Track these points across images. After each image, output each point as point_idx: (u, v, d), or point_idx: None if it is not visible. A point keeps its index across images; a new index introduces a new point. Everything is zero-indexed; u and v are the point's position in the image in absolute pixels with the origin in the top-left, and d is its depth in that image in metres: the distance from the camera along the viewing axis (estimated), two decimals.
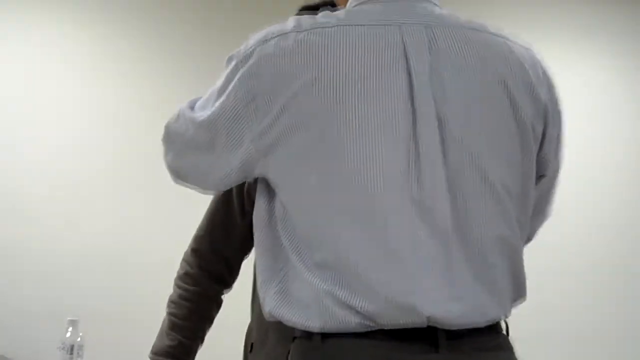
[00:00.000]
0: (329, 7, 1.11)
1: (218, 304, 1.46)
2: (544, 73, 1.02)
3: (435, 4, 1.01)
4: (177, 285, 1.44)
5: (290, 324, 0.90)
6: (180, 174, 1.07)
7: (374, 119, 0.90)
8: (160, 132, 1.35)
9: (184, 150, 1.05)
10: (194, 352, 1.43)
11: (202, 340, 1.44)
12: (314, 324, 0.87)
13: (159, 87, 3.00)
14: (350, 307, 0.86)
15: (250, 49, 0.93)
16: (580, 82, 3.12)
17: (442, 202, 0.90)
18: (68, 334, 1.96)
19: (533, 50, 1.03)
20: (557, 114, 1.02)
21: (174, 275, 1.46)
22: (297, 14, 1.31)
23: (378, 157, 0.89)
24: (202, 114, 0.98)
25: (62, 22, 2.99)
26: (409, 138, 0.90)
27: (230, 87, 0.93)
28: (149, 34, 3.09)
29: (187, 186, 1.08)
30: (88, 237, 2.79)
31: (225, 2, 3.12)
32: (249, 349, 1.37)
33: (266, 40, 0.92)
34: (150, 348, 1.43)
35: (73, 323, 1.98)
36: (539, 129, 0.99)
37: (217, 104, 0.95)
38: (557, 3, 3.16)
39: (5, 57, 2.89)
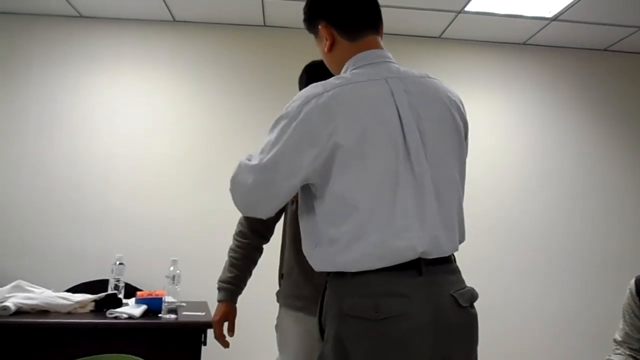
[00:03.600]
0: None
1: (260, 251, 1.88)
2: (461, 100, 1.37)
3: (398, 65, 1.34)
4: (235, 239, 1.88)
5: (333, 270, 1.21)
6: (248, 209, 1.32)
7: (382, 135, 1.20)
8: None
9: (251, 191, 1.25)
10: (244, 281, 1.86)
11: (250, 274, 1.87)
12: (349, 269, 1.18)
13: (232, 120, 3.65)
14: (372, 256, 1.15)
15: (298, 109, 1.20)
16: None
17: (428, 183, 1.21)
18: (171, 268, 2.35)
19: (451, 86, 1.38)
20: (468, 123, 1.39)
21: (233, 232, 1.90)
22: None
23: (387, 158, 1.19)
24: (261, 159, 1.21)
25: (177, 80, 3.69)
26: (402, 145, 1.21)
27: (286, 135, 1.19)
28: (228, 89, 3.72)
29: (255, 214, 1.33)
30: (184, 211, 3.49)
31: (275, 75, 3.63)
32: (281, 277, 1.78)
33: (307, 102, 1.20)
34: (216, 280, 1.88)
35: (174, 262, 2.36)
36: (464, 132, 1.35)
37: (276, 148, 1.19)
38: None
39: (137, 103, 3.61)
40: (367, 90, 1.23)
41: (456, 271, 1.27)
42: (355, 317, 1.15)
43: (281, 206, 1.28)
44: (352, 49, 1.32)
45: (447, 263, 1.24)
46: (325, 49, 1.36)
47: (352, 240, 1.17)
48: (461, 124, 1.33)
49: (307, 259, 1.27)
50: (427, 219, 1.19)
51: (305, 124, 1.19)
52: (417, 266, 1.17)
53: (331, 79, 1.25)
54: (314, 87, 1.23)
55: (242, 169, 1.27)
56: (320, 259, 1.23)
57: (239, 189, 1.28)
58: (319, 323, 1.26)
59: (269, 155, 1.20)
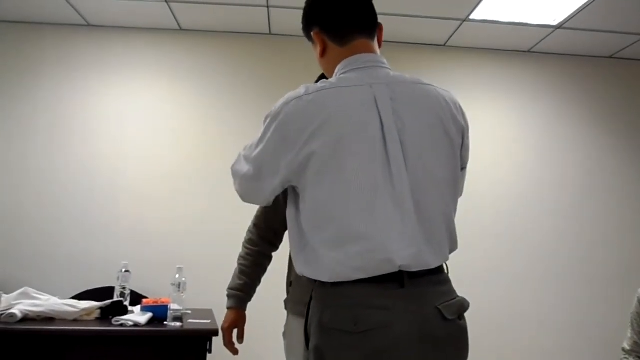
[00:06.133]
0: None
1: (269, 259, 1.88)
2: (459, 107, 1.32)
3: (389, 69, 1.30)
4: (244, 247, 1.87)
5: (312, 277, 1.21)
6: (244, 197, 1.37)
7: (361, 143, 1.17)
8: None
9: (244, 181, 1.32)
10: (254, 289, 1.85)
11: (259, 281, 1.87)
12: (326, 278, 1.17)
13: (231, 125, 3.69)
14: (349, 267, 1.14)
15: (279, 109, 1.21)
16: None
17: (407, 195, 1.17)
18: (177, 276, 2.37)
19: (450, 92, 1.33)
20: (468, 131, 1.34)
21: (242, 240, 1.90)
22: (317, 80, 1.69)
23: (365, 168, 1.16)
24: (251, 154, 1.28)
25: (184, 88, 3.71)
26: (383, 155, 1.17)
27: (268, 135, 1.22)
28: (228, 95, 3.75)
29: (251, 203, 1.39)
30: (188, 218, 3.50)
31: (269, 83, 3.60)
32: (289, 284, 1.78)
33: (288, 102, 1.21)
34: (224, 287, 1.86)
35: (180, 269, 2.39)
36: (459, 141, 1.29)
37: (260, 146, 1.24)
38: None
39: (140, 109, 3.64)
40: (349, 96, 1.21)
41: (446, 282, 1.24)
42: (334, 330, 1.13)
43: (273, 198, 1.31)
44: (342, 54, 1.31)
45: (435, 274, 1.20)
46: (318, 55, 1.37)
47: (330, 249, 1.15)
48: (454, 131, 1.27)
49: (294, 264, 1.27)
50: (406, 231, 1.15)
51: (283, 126, 1.20)
52: (399, 278, 1.14)
53: (318, 83, 1.25)
54: (299, 89, 1.24)
55: (239, 159, 1.34)
56: (302, 264, 1.22)
57: (235, 177, 1.36)
58: (305, 331, 1.25)
59: (256, 152, 1.25)
